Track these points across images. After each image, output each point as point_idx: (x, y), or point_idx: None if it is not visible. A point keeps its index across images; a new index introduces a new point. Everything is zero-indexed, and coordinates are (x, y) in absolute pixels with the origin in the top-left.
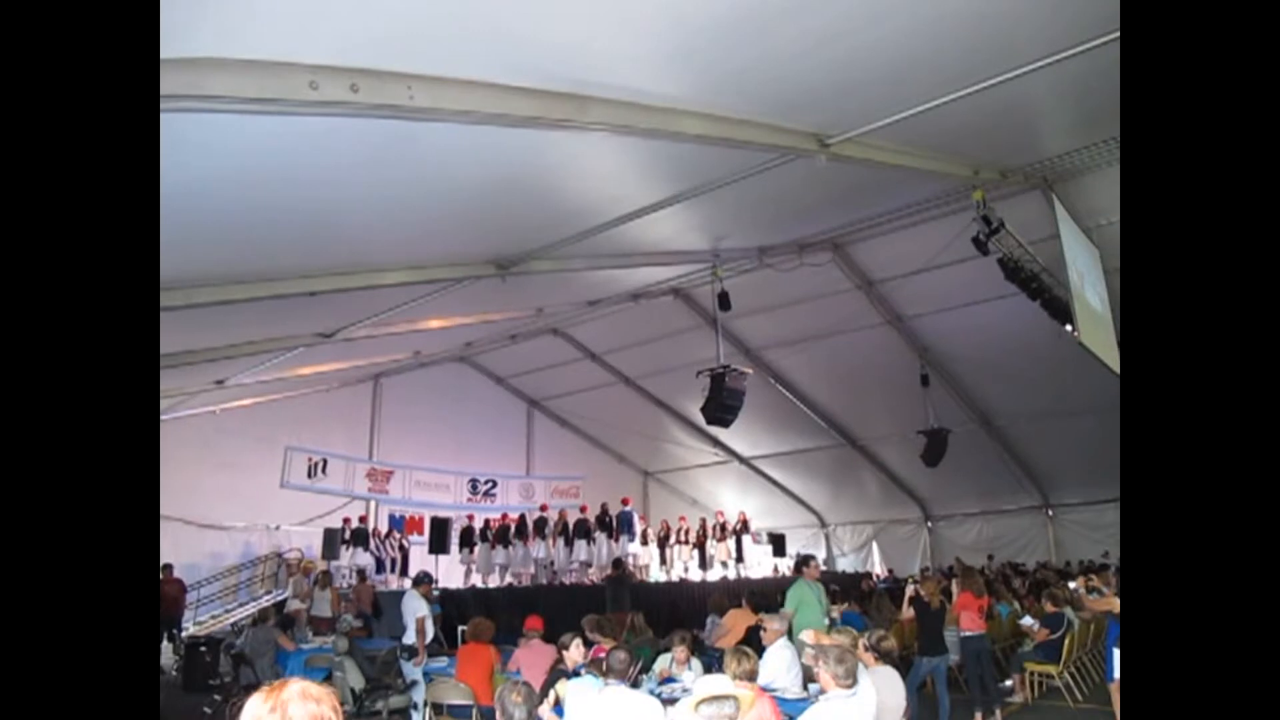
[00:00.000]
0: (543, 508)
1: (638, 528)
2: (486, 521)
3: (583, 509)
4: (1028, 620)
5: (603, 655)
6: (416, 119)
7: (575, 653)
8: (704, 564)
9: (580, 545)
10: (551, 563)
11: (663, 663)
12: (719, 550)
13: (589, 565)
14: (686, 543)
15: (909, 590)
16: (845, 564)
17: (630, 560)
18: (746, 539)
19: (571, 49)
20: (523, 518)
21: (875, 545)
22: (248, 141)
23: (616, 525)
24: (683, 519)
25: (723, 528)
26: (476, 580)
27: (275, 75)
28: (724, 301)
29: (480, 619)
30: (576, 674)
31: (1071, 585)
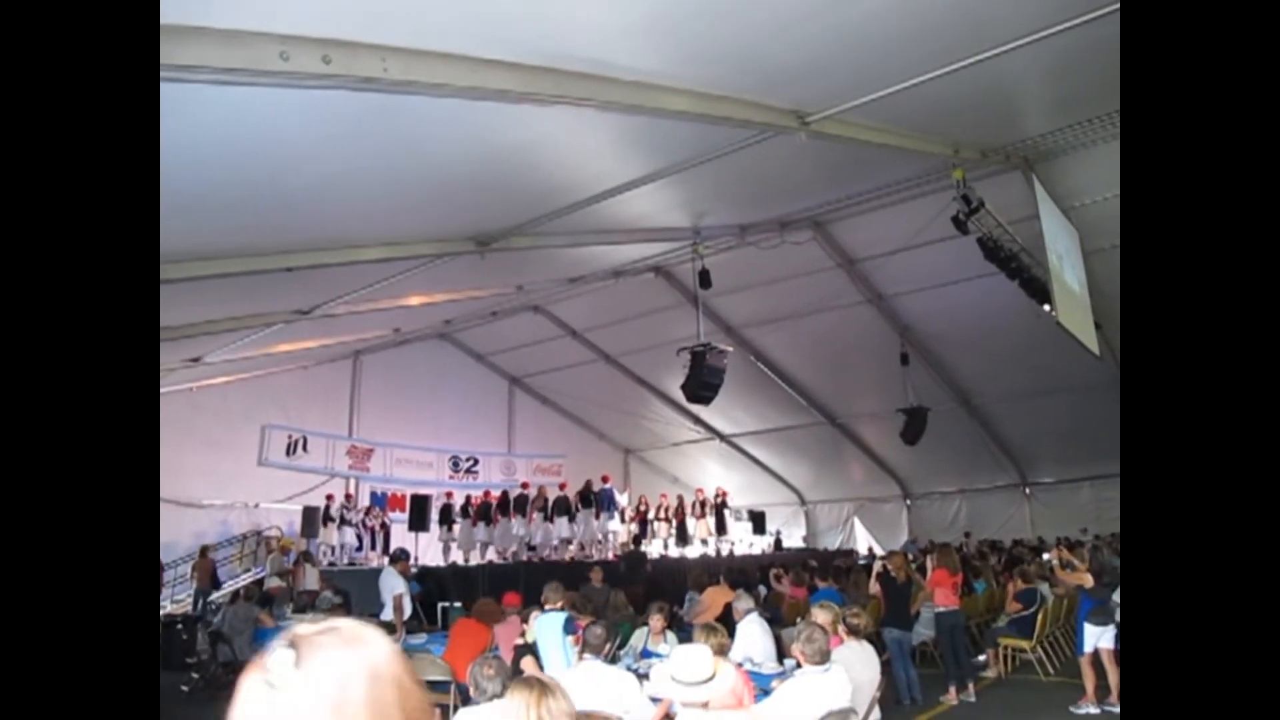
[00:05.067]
0: (524, 485)
1: (619, 504)
2: (468, 498)
3: (562, 486)
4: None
5: (581, 629)
6: (392, 92)
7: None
8: (682, 540)
9: (561, 522)
10: (530, 539)
11: (639, 636)
12: (699, 528)
13: (569, 542)
14: (666, 520)
15: (876, 566)
16: (825, 541)
17: (610, 537)
18: (726, 514)
19: (549, 22)
20: (505, 494)
21: (856, 522)
22: (223, 114)
23: (598, 502)
24: (663, 496)
25: (702, 504)
26: (456, 557)
27: (244, 45)
28: (705, 279)
29: (488, 600)
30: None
31: (1045, 556)
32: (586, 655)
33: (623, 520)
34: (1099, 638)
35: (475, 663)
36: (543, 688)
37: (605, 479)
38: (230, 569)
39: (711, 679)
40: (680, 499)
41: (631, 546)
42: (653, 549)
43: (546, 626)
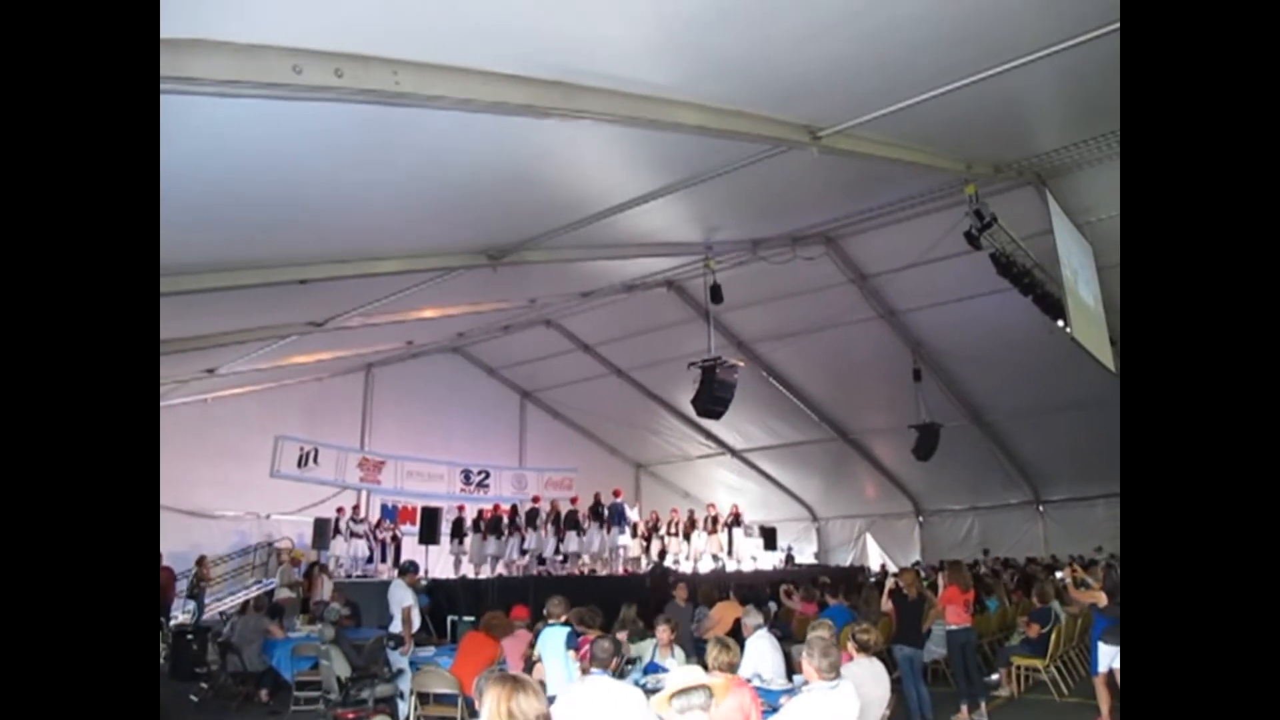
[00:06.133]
0: (535, 499)
1: (629, 518)
2: (480, 512)
3: (573, 500)
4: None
5: (588, 644)
6: (403, 105)
7: None
8: (658, 555)
9: (570, 536)
10: (540, 554)
11: (645, 648)
12: (710, 543)
13: (579, 556)
14: (675, 535)
15: (888, 583)
16: (837, 558)
17: (621, 552)
18: (738, 531)
19: (561, 36)
20: (515, 508)
21: (869, 539)
22: (237, 126)
23: (609, 516)
24: (674, 512)
25: (714, 520)
26: (468, 570)
27: (257, 58)
28: (716, 294)
29: (497, 613)
30: None
31: (1059, 575)
32: (594, 669)
33: (634, 535)
34: (1114, 657)
35: (481, 675)
36: (515, 684)
37: (616, 493)
38: (241, 579)
39: (709, 692)
40: (690, 513)
41: (657, 563)
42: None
43: (549, 640)
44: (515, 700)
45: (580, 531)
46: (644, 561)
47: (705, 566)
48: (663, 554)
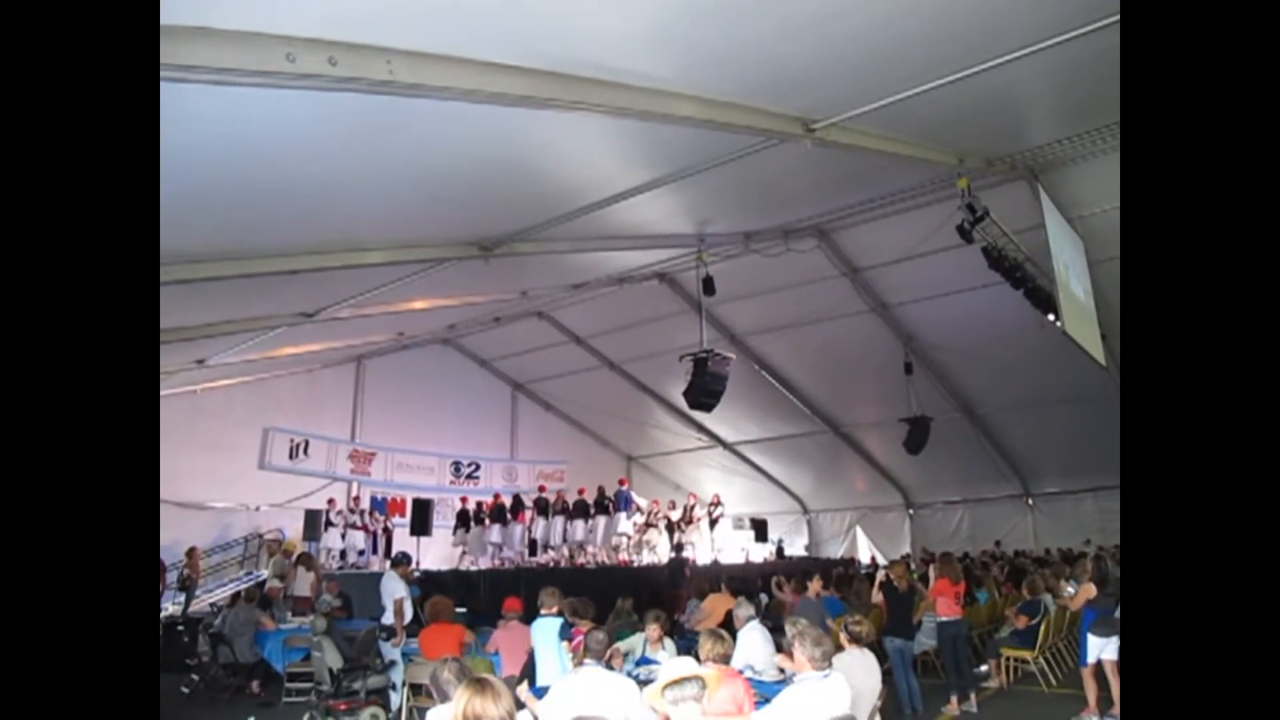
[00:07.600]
0: (541, 488)
1: (635, 503)
2: (479, 504)
3: (581, 491)
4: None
5: (581, 635)
6: (397, 95)
7: None
8: (675, 547)
9: (577, 525)
10: (546, 543)
11: (635, 642)
12: (690, 532)
13: (583, 545)
14: (655, 526)
15: (879, 575)
16: (828, 551)
17: (623, 541)
18: (718, 525)
19: (555, 27)
20: (517, 498)
21: (859, 531)
22: (228, 114)
23: (615, 504)
24: (654, 503)
25: (690, 509)
26: (469, 561)
27: (251, 46)
28: (708, 286)
29: (437, 597)
30: None
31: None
32: (587, 660)
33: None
34: (1102, 649)
35: (436, 665)
36: (479, 687)
37: (622, 481)
38: (229, 571)
39: (701, 683)
40: (672, 504)
41: (674, 554)
42: (647, 557)
43: (542, 631)
44: (473, 704)
45: (586, 521)
46: (644, 552)
47: (702, 558)
48: (679, 547)
